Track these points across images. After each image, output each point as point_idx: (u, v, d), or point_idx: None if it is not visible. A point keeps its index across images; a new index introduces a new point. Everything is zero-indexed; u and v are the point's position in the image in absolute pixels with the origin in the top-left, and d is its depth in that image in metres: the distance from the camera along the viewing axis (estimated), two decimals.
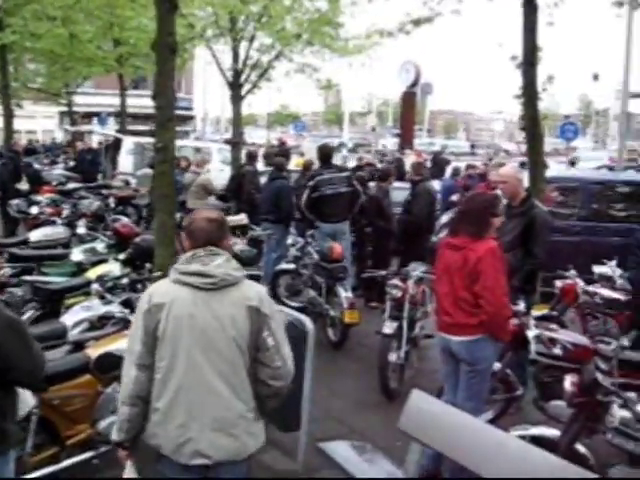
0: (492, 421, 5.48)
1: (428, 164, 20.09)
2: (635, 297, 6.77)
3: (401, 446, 4.83)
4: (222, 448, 3.11)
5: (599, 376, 3.99)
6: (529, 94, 8.82)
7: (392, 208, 10.04)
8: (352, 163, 18.87)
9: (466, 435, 4.04)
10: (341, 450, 4.73)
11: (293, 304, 8.37)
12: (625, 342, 4.37)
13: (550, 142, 36.35)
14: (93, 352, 4.82)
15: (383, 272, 7.55)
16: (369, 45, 15.92)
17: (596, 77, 56.43)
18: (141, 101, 22.92)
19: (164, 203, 7.22)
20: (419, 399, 4.38)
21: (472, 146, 47.14)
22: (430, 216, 9.61)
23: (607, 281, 7.51)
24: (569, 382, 4.16)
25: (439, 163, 21.09)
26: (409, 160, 21.11)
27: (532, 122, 8.89)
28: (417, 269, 6.86)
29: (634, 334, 4.89)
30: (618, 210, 10.88)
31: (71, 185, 15.67)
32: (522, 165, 11.84)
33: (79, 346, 5.10)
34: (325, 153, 9.62)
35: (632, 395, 3.99)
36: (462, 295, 4.79)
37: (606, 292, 7.25)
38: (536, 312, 6.73)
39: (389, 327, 6.49)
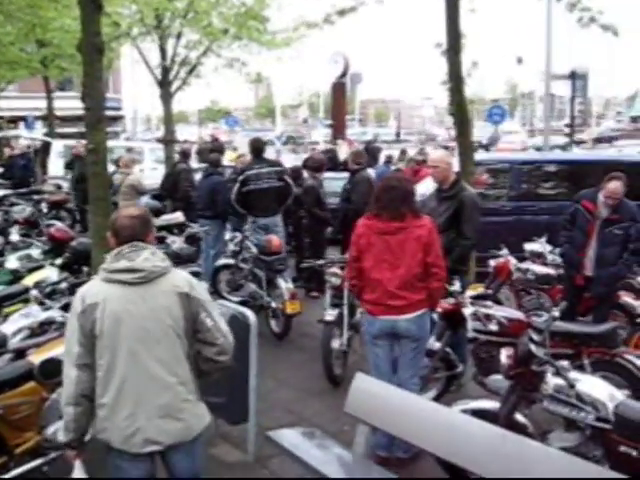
0: (435, 399, 5.64)
1: None
2: (565, 270, 7.06)
3: (349, 430, 4.95)
4: (171, 433, 3.22)
5: (533, 347, 4.16)
6: (455, 80, 9.01)
7: (326, 198, 10.13)
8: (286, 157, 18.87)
9: (411, 413, 4.18)
10: (290, 438, 4.80)
11: (235, 299, 8.39)
12: (556, 314, 4.54)
13: (480, 126, 37.13)
14: (36, 359, 4.78)
15: (321, 261, 7.66)
16: (296, 37, 15.95)
17: (520, 61, 57.46)
18: (69, 103, 22.44)
19: (99, 205, 7.14)
20: (363, 382, 4.50)
21: (397, 134, 47.00)
22: (369, 203, 9.69)
23: (538, 257, 7.79)
24: (505, 355, 4.33)
25: (372, 151, 21.28)
26: (342, 150, 21.29)
27: (459, 107, 9.10)
28: None
29: (564, 305, 5.12)
30: (547, 189, 11.21)
31: (1, 192, 15.28)
32: (446, 149, 12.14)
33: (21, 354, 5.05)
34: (256, 147, 9.61)
35: (564, 363, 4.18)
36: (416, 272, 4.91)
37: (538, 268, 7.53)
38: (472, 291, 6.94)
39: (330, 315, 6.59)
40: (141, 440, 3.17)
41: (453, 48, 8.90)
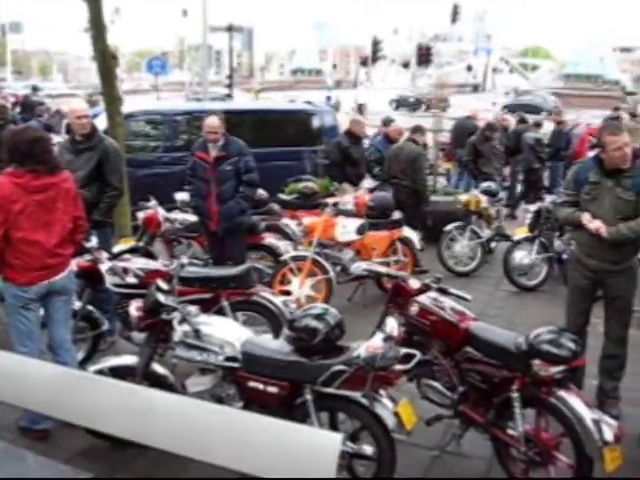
0: (85, 360, 5.42)
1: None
2: (200, 221, 7.15)
3: None
4: None
5: (160, 296, 4.11)
6: (96, 28, 8.63)
7: None
8: None
9: (38, 381, 3.86)
10: None
11: None
12: (185, 260, 4.56)
13: (150, 78, 36.62)
14: None
15: None
16: None
17: (185, 13, 57.77)
18: None
19: None
20: None
21: (34, 88, 42.94)
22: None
23: (188, 206, 7.80)
24: (134, 307, 4.25)
25: (29, 105, 19.85)
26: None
27: (102, 56, 8.73)
28: None
29: (192, 251, 5.16)
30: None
31: None
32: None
33: None
34: None
35: (192, 308, 4.19)
36: (69, 226, 4.65)
37: (185, 217, 7.57)
38: (123, 245, 6.78)
39: None
40: None
41: None
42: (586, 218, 4.87)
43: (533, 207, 8.73)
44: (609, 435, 3.71)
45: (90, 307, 5.50)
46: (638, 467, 4.43)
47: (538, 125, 13.62)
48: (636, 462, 4.44)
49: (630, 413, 5.11)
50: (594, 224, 4.82)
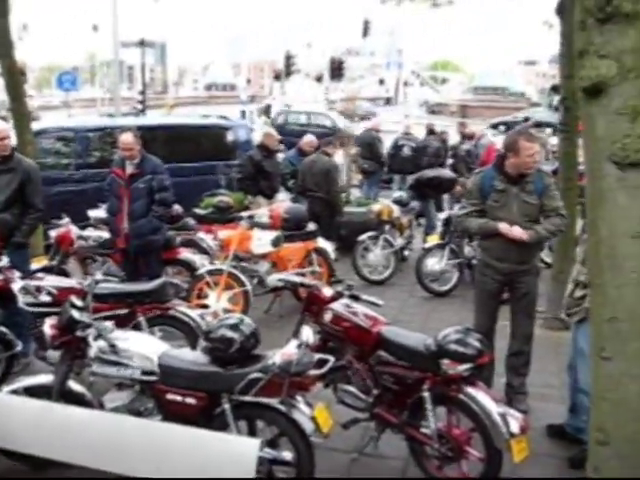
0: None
1: None
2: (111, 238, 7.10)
3: None
4: None
5: (74, 313, 4.10)
6: (4, 44, 8.49)
7: None
8: None
9: None
10: None
11: None
12: (99, 276, 4.56)
13: (60, 95, 35.73)
14: None
15: None
16: None
17: (96, 28, 56.73)
18: None
19: None
20: None
21: None
22: None
23: (104, 224, 7.73)
24: (48, 325, 4.21)
25: None
26: None
27: (10, 72, 8.60)
28: None
29: (107, 267, 5.14)
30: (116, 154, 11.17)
31: None
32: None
33: None
34: None
35: (108, 324, 4.18)
36: None
37: (98, 234, 7.49)
38: (36, 264, 6.68)
39: None
40: None
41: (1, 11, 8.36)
42: (505, 227, 5.10)
43: (443, 215, 9.03)
44: (515, 427, 3.90)
45: (3, 328, 5.39)
46: (545, 458, 4.70)
47: (471, 138, 13.89)
48: (544, 453, 4.71)
49: (537, 407, 5.39)
50: (515, 231, 5.07)
